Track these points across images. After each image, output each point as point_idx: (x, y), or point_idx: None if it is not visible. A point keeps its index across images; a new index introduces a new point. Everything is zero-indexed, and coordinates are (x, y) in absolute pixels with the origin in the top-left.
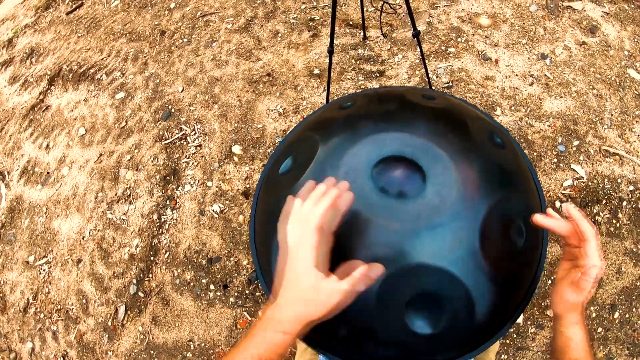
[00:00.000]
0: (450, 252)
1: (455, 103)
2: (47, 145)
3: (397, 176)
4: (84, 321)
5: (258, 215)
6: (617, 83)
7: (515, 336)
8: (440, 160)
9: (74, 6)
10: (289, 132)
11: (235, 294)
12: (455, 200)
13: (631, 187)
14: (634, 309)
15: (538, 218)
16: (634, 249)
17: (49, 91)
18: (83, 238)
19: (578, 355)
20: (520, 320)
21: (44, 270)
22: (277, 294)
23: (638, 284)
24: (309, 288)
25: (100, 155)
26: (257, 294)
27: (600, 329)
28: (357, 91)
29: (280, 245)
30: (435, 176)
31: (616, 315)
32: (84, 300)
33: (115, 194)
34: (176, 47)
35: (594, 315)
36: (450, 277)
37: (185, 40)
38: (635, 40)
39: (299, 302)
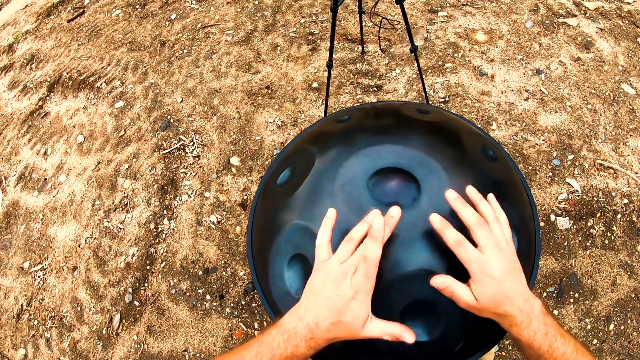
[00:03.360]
0: (446, 260)
1: (449, 117)
2: (45, 152)
3: (392, 187)
4: (78, 329)
5: (255, 225)
6: (612, 98)
7: (510, 348)
8: (434, 171)
9: (75, 14)
10: (286, 144)
11: (232, 305)
12: (451, 209)
13: (625, 200)
14: (629, 321)
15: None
16: (629, 261)
17: (48, 98)
18: (79, 245)
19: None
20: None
21: (39, 276)
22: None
23: (633, 295)
24: (341, 301)
25: (98, 163)
26: (254, 304)
27: (595, 341)
28: (354, 105)
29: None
30: (430, 187)
31: (611, 327)
32: (79, 308)
33: (113, 203)
34: (176, 57)
35: (589, 327)
36: None
37: (185, 51)
38: (629, 55)
39: (324, 309)
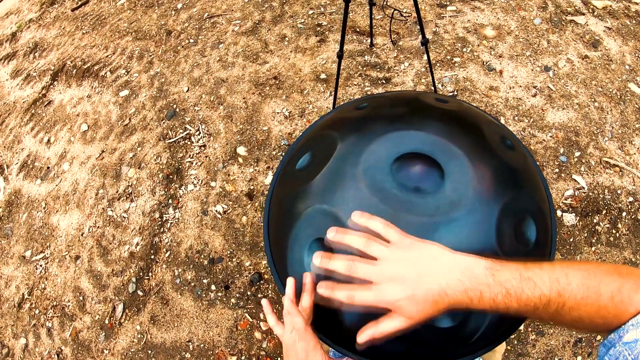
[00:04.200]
0: (468, 245)
1: (467, 107)
2: (48, 140)
3: (416, 172)
4: (80, 319)
5: (272, 209)
6: (618, 96)
7: (516, 342)
8: (457, 157)
9: (80, 3)
10: (304, 130)
11: (237, 295)
12: (472, 195)
13: (630, 199)
14: None
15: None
16: (633, 259)
17: (51, 86)
18: (82, 234)
19: (515, 309)
20: (521, 327)
21: (41, 265)
22: None
23: None
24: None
25: (102, 152)
26: (259, 295)
27: (599, 337)
28: (365, 93)
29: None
30: (453, 173)
31: None
32: (81, 298)
33: (117, 192)
34: (182, 47)
35: None
36: None
37: (191, 40)
38: (637, 55)
39: None
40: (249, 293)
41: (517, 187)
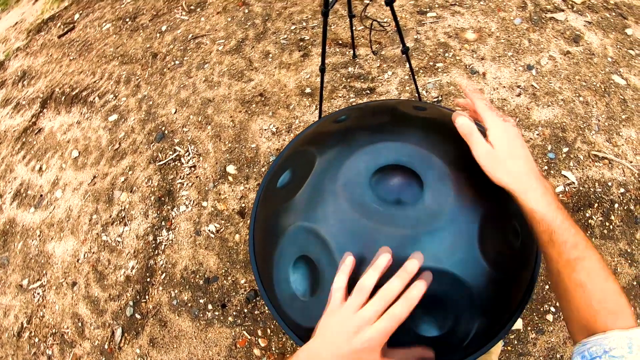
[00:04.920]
0: (451, 254)
1: (446, 113)
2: (40, 168)
3: (395, 184)
4: (80, 345)
5: (257, 229)
6: (603, 89)
7: (516, 342)
8: (436, 167)
9: (66, 29)
10: (284, 147)
11: (234, 313)
12: (452, 204)
13: (622, 190)
14: (632, 309)
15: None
16: (629, 250)
17: (41, 114)
18: (78, 261)
19: (547, 225)
20: (520, 326)
21: (38, 293)
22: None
23: (635, 283)
24: (352, 352)
25: (94, 177)
26: (256, 312)
27: None
28: (350, 105)
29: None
30: (432, 182)
31: None
32: (80, 324)
33: (110, 216)
34: (168, 69)
35: None
36: (453, 279)
37: (177, 62)
38: (618, 47)
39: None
40: (245, 310)
41: (500, 191)
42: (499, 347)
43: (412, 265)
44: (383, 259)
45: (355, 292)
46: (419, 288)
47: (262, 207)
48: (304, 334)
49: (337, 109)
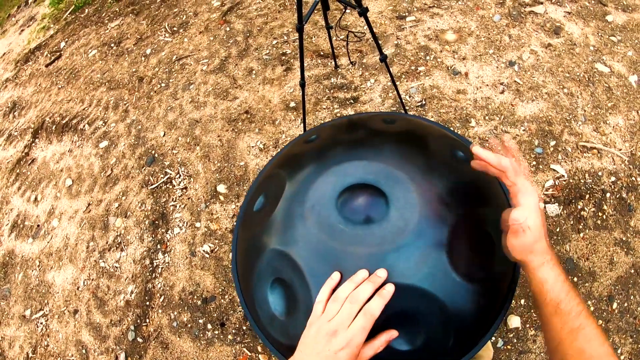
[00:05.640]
0: (419, 269)
1: (416, 124)
2: (36, 198)
3: (361, 203)
4: None
5: (238, 252)
6: (587, 79)
7: (515, 340)
8: (401, 182)
9: (53, 58)
10: (261, 170)
11: (233, 331)
12: (419, 219)
13: (613, 178)
14: (631, 297)
15: (475, 149)
16: (624, 238)
17: (33, 144)
18: (78, 288)
19: (554, 295)
20: (518, 324)
21: (42, 323)
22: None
23: (632, 271)
24: (332, 353)
25: (89, 204)
26: None
27: (600, 322)
28: (323, 122)
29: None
30: (398, 199)
31: (615, 305)
32: (84, 351)
33: (107, 242)
34: (155, 92)
35: (592, 309)
36: (422, 293)
37: (163, 84)
38: (599, 35)
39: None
40: (244, 328)
41: (470, 202)
42: (490, 351)
43: (381, 272)
44: (361, 274)
45: (331, 302)
46: (391, 287)
47: (241, 230)
48: (288, 352)
49: (322, 121)
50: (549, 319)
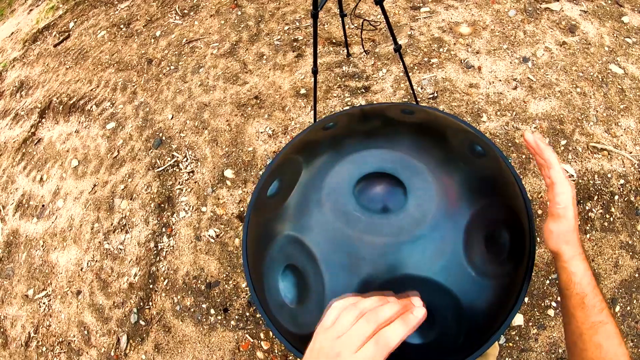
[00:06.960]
0: (435, 262)
1: (434, 116)
2: (41, 178)
3: (378, 192)
4: (87, 352)
5: (249, 238)
6: (600, 79)
7: (517, 338)
8: (419, 173)
9: (61, 38)
10: (276, 155)
11: (236, 317)
12: (436, 211)
13: (622, 181)
14: (634, 301)
15: (526, 134)
16: (630, 242)
17: (40, 124)
18: (81, 269)
19: (581, 289)
20: (521, 322)
21: (44, 303)
22: None
23: (636, 275)
24: None
25: (94, 185)
26: (258, 315)
27: None
28: (341, 110)
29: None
30: (416, 189)
31: (617, 308)
32: (86, 332)
33: (111, 224)
34: (164, 74)
35: None
36: (437, 286)
37: (172, 67)
38: (615, 35)
39: None
40: (247, 314)
41: (486, 196)
42: (495, 348)
43: (417, 300)
44: (393, 306)
45: (346, 312)
46: (420, 311)
47: (253, 215)
48: (295, 340)
49: (332, 110)
50: (573, 311)
